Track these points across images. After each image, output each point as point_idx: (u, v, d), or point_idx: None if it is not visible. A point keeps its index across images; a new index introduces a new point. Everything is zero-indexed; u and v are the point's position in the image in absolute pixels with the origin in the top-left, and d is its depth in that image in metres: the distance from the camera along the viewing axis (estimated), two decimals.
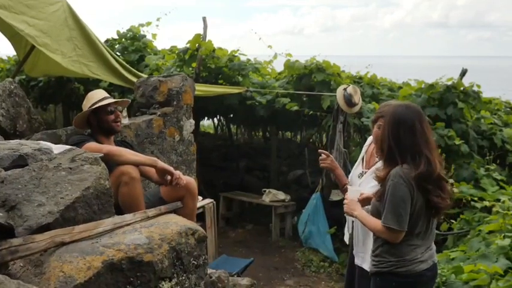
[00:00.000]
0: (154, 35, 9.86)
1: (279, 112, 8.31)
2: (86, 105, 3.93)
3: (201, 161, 7.54)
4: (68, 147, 2.66)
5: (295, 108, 7.72)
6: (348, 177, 3.89)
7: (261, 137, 13.59)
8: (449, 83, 7.61)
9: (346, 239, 4.16)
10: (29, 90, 9.83)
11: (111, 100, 3.95)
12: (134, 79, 6.64)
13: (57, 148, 2.72)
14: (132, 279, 2.03)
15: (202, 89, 7.51)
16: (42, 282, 1.91)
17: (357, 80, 8.27)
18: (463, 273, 3.92)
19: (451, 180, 6.25)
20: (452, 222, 5.85)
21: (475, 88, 7.66)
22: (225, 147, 11.99)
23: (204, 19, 8.26)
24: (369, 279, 3.21)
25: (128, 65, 7.32)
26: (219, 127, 13.46)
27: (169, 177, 3.56)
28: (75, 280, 1.88)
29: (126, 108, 4.80)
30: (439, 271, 4.00)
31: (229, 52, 8.57)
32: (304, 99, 7.95)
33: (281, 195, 8.45)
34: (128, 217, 2.32)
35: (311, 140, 12.15)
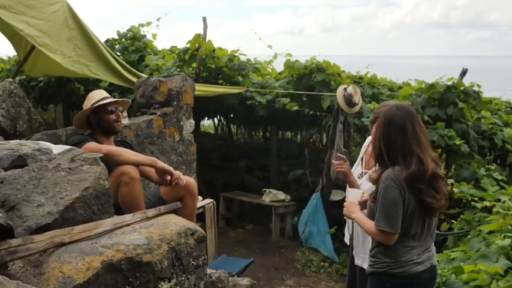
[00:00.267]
0: (154, 35, 9.87)
1: (279, 112, 8.31)
2: (87, 104, 3.93)
3: (201, 161, 7.54)
4: (68, 147, 2.66)
5: (295, 108, 7.72)
6: None
7: (261, 137, 13.59)
8: (450, 83, 7.61)
9: (347, 239, 4.17)
10: (29, 90, 9.83)
11: (112, 99, 3.96)
12: (134, 79, 6.65)
13: (56, 148, 2.72)
14: (131, 279, 2.02)
15: (202, 89, 7.50)
16: (41, 283, 1.91)
17: (357, 80, 8.27)
18: (464, 273, 3.91)
19: (451, 180, 6.27)
20: (453, 222, 5.85)
21: (476, 88, 7.66)
22: (225, 147, 11.99)
23: (204, 19, 8.26)
24: None
25: (128, 65, 7.32)
26: (219, 127, 13.46)
27: (169, 177, 3.56)
28: (74, 281, 1.88)
29: (126, 109, 4.81)
30: (439, 271, 4.00)
31: (229, 52, 8.57)
32: (304, 99, 7.95)
33: (281, 195, 8.45)
34: (127, 217, 2.32)
35: (311, 140, 12.15)
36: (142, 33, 9.76)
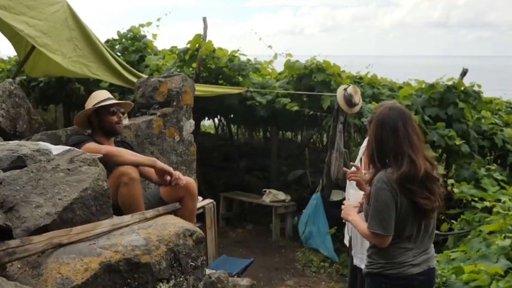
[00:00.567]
0: (154, 35, 9.86)
1: (279, 112, 8.30)
2: (89, 104, 3.93)
3: (201, 161, 7.53)
4: (67, 148, 2.66)
5: (296, 108, 7.71)
6: None
7: (261, 137, 13.59)
8: (450, 83, 7.61)
9: (346, 241, 4.19)
10: (29, 91, 9.83)
11: (115, 101, 3.95)
12: (134, 79, 6.64)
13: (56, 149, 2.72)
14: (129, 280, 2.02)
15: (202, 89, 7.50)
16: (39, 284, 1.91)
17: (357, 80, 8.26)
18: (464, 273, 3.90)
19: (451, 181, 6.26)
20: (453, 223, 5.85)
21: (476, 88, 7.67)
22: (226, 147, 11.98)
23: (204, 19, 8.26)
24: None
25: (128, 66, 7.32)
26: (219, 127, 13.46)
27: (168, 178, 3.56)
28: (72, 282, 1.88)
29: (128, 111, 4.81)
30: (439, 271, 4.01)
31: (229, 52, 8.57)
32: (305, 99, 7.94)
33: (281, 196, 8.44)
34: (125, 218, 2.32)
35: (311, 140, 12.15)
36: (142, 33, 9.74)
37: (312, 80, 7.75)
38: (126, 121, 4.90)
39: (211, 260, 6.25)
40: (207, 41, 8.14)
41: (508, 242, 4.16)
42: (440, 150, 7.45)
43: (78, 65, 6.41)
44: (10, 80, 4.74)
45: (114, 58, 7.00)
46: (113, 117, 3.90)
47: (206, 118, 12.00)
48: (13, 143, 2.70)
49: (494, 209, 5.15)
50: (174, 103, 5.56)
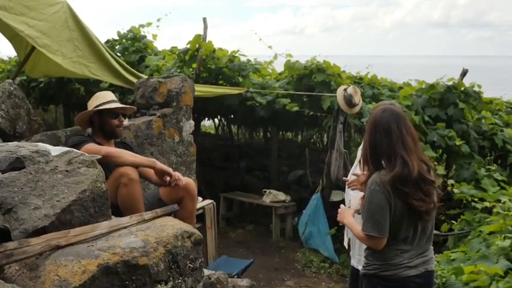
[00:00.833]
0: (154, 36, 9.86)
1: (279, 112, 8.30)
2: (92, 104, 3.92)
3: (201, 161, 7.53)
4: (66, 149, 2.66)
5: (296, 108, 7.72)
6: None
7: (261, 137, 13.59)
8: (450, 83, 7.61)
9: (346, 243, 4.19)
10: (29, 91, 9.83)
11: (118, 105, 3.95)
12: (134, 80, 6.65)
13: (55, 150, 2.71)
14: (127, 282, 2.02)
15: (202, 89, 7.50)
16: (37, 286, 1.90)
17: (357, 81, 8.26)
18: (463, 274, 3.90)
19: (451, 181, 6.26)
20: (453, 223, 5.84)
21: (476, 88, 7.67)
22: (226, 147, 11.98)
23: (204, 20, 8.25)
24: None
25: (128, 66, 7.32)
26: (219, 127, 13.46)
27: (168, 179, 3.56)
28: (70, 284, 1.88)
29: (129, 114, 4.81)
30: (439, 272, 4.00)
31: (229, 53, 8.57)
32: (305, 99, 7.94)
33: (281, 196, 8.44)
34: (124, 220, 2.31)
35: (312, 141, 12.15)
36: (142, 33, 9.75)
37: (312, 81, 7.75)
38: (125, 122, 4.90)
39: (211, 261, 6.25)
40: (207, 41, 8.14)
41: (508, 242, 4.16)
42: (440, 151, 7.45)
43: (78, 66, 6.42)
44: (10, 80, 4.74)
45: (114, 58, 7.00)
46: (114, 121, 3.90)
47: (206, 118, 12.00)
48: (12, 144, 2.70)
49: (494, 210, 5.14)
50: (174, 104, 5.57)
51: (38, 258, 2.01)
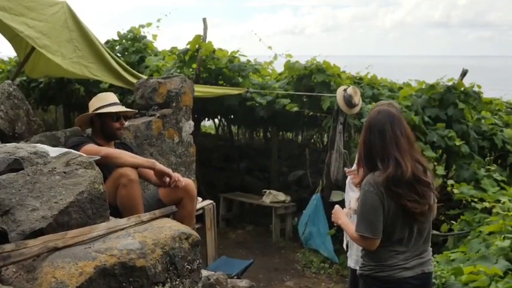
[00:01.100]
0: (154, 36, 9.86)
1: (279, 113, 8.31)
2: (94, 105, 3.91)
3: (201, 162, 7.53)
4: (64, 150, 2.65)
5: (295, 109, 7.72)
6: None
7: (261, 137, 13.59)
8: (450, 83, 7.61)
9: (345, 245, 4.20)
10: (29, 91, 9.85)
11: (120, 108, 3.94)
12: (134, 80, 6.65)
13: (54, 151, 2.71)
14: (124, 284, 2.02)
15: (202, 90, 7.51)
16: None
17: (357, 81, 8.26)
18: (463, 274, 3.90)
19: (451, 181, 6.26)
20: (453, 223, 5.84)
21: (476, 89, 7.67)
22: (226, 148, 11.98)
23: (204, 20, 8.26)
24: None
25: (127, 66, 7.33)
26: (220, 128, 13.47)
27: (167, 179, 3.56)
28: (66, 286, 1.87)
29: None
30: (438, 272, 4.00)
31: (229, 53, 8.58)
32: (304, 100, 7.95)
33: (281, 196, 8.44)
34: (121, 222, 2.31)
35: (312, 141, 12.15)
36: (142, 34, 9.75)
37: (312, 81, 7.75)
38: (125, 123, 4.90)
39: (211, 261, 6.26)
40: (206, 41, 8.14)
41: (508, 242, 4.16)
42: (440, 151, 7.45)
43: (78, 66, 6.42)
44: (9, 81, 4.75)
45: (114, 59, 7.01)
46: (115, 123, 3.90)
47: (206, 119, 12.00)
48: (10, 146, 2.69)
49: (494, 210, 5.14)
50: (174, 104, 5.57)
51: (35, 260, 2.01)
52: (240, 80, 8.52)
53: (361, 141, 3.04)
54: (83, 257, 1.99)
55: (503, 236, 4.39)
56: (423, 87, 7.93)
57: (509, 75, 47.78)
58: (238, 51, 8.66)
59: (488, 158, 7.30)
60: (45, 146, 2.92)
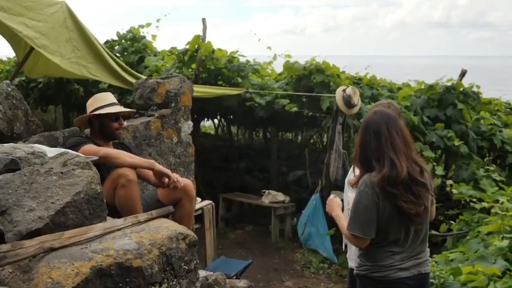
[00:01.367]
0: (154, 36, 9.86)
1: (278, 113, 8.31)
2: (92, 105, 3.90)
3: (201, 162, 7.52)
4: (61, 150, 2.65)
5: (295, 109, 7.72)
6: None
7: (261, 138, 13.59)
8: (449, 83, 7.61)
9: (344, 245, 4.20)
10: (28, 92, 9.85)
11: (118, 108, 3.93)
12: (133, 80, 6.65)
13: (52, 151, 2.71)
14: (121, 284, 2.01)
15: (201, 90, 7.51)
16: None
17: (357, 81, 8.25)
18: (462, 274, 3.90)
19: (450, 181, 6.27)
20: (452, 223, 5.84)
21: (475, 89, 7.67)
22: (226, 148, 11.99)
23: (203, 20, 8.25)
24: None
25: (127, 67, 7.32)
26: (219, 128, 13.47)
27: (166, 180, 3.55)
28: (62, 286, 1.87)
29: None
30: (437, 272, 4.00)
31: (228, 53, 8.57)
32: (304, 100, 7.95)
33: (280, 197, 8.44)
34: (118, 222, 2.31)
35: (311, 141, 12.15)
36: (141, 34, 9.75)
37: (311, 81, 7.75)
38: (124, 123, 4.89)
39: (210, 261, 6.26)
40: (206, 42, 8.14)
41: (506, 242, 4.16)
42: (439, 151, 7.45)
43: (77, 66, 6.42)
44: (7, 81, 4.74)
45: (113, 59, 7.00)
46: (114, 124, 3.89)
47: (206, 119, 12.01)
48: (8, 146, 2.69)
49: (493, 210, 5.14)
50: (172, 104, 5.56)
51: (31, 261, 2.00)
52: (239, 80, 8.51)
53: (358, 141, 3.05)
54: (79, 258, 1.99)
55: (501, 236, 4.39)
56: (422, 87, 7.94)
57: (509, 75, 47.79)
58: (237, 51, 8.67)
59: (487, 158, 7.30)
60: (43, 146, 2.92)
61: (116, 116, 3.90)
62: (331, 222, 7.25)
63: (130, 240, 2.12)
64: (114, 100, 3.99)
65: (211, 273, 3.22)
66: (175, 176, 3.58)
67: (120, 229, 2.25)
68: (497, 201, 5.53)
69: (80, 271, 1.92)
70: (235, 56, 8.59)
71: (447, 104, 7.45)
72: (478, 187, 6.38)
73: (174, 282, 2.20)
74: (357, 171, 3.90)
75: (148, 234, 2.21)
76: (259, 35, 8.98)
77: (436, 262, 4.52)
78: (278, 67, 9.13)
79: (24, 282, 1.94)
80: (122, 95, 8.45)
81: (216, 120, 12.85)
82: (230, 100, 8.28)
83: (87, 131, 4.16)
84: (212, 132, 14.16)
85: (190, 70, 8.24)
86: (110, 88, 8.12)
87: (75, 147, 3.45)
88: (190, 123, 5.83)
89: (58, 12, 6.23)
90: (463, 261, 4.34)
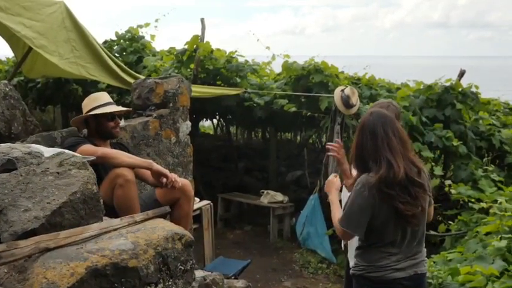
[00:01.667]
0: (152, 36, 9.86)
1: (277, 113, 8.30)
2: (87, 105, 3.90)
3: (200, 162, 7.51)
4: (58, 151, 2.64)
5: (293, 109, 7.72)
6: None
7: (260, 138, 13.59)
8: (448, 84, 7.60)
9: (343, 244, 4.19)
10: (27, 92, 9.85)
11: (113, 108, 3.93)
12: (132, 80, 6.63)
13: (49, 152, 2.70)
14: (116, 285, 2.01)
15: (200, 90, 7.51)
16: None
17: (355, 81, 8.25)
18: (460, 274, 3.90)
19: (448, 181, 6.26)
20: (450, 224, 5.84)
21: (473, 89, 7.67)
22: (225, 148, 11.99)
23: (202, 20, 8.25)
24: None
25: (125, 67, 7.32)
26: (218, 128, 13.47)
27: (164, 180, 3.55)
28: (58, 286, 1.86)
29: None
30: (435, 273, 4.00)
31: (227, 53, 8.57)
32: (302, 100, 7.94)
33: (279, 197, 8.44)
34: (114, 222, 2.31)
35: (310, 141, 12.15)
36: (140, 34, 9.74)
37: (310, 81, 7.75)
38: (122, 123, 4.89)
39: (208, 261, 6.25)
40: (204, 42, 8.13)
41: (504, 243, 4.15)
42: (438, 151, 7.45)
43: (76, 66, 6.41)
44: (5, 81, 4.73)
45: (112, 59, 7.00)
46: (110, 123, 3.89)
47: (205, 119, 12.01)
48: (5, 146, 2.68)
49: (491, 210, 5.13)
50: (171, 104, 5.55)
51: (26, 261, 2.00)
52: (238, 80, 8.51)
53: (354, 143, 3.04)
54: (75, 258, 1.98)
55: (500, 236, 4.39)
56: (421, 87, 7.93)
57: (509, 75, 47.80)
58: (236, 51, 8.67)
59: (485, 159, 7.29)
60: (40, 146, 2.91)
61: (112, 116, 3.89)
62: (329, 222, 7.27)
63: (126, 241, 2.12)
64: (110, 99, 3.99)
65: (209, 273, 3.22)
66: (173, 176, 3.57)
67: (116, 229, 2.25)
68: (495, 201, 5.52)
69: (75, 271, 1.92)
70: (233, 56, 8.59)
71: (446, 104, 7.45)
72: (477, 187, 6.37)
73: (170, 283, 2.20)
74: (354, 172, 3.92)
75: (144, 235, 2.21)
76: (259, 35, 8.98)
77: (434, 262, 4.52)
78: (277, 67, 9.13)
79: (19, 282, 1.93)
80: (120, 95, 8.45)
81: (214, 120, 12.84)
82: (229, 100, 8.28)
83: (85, 131, 4.16)
84: (211, 132, 14.15)
85: (188, 70, 8.24)
86: (109, 88, 8.12)
87: (72, 147, 3.44)
88: (189, 123, 5.82)
89: (56, 12, 6.22)
90: (461, 262, 4.33)
